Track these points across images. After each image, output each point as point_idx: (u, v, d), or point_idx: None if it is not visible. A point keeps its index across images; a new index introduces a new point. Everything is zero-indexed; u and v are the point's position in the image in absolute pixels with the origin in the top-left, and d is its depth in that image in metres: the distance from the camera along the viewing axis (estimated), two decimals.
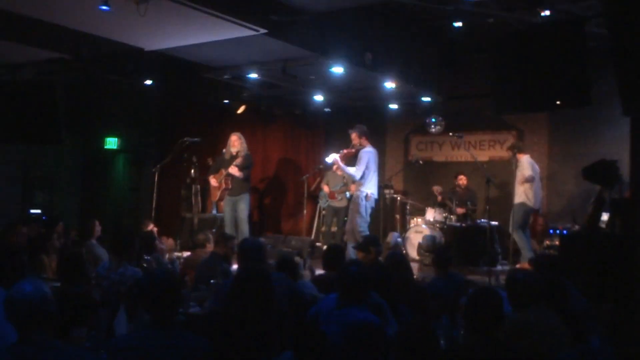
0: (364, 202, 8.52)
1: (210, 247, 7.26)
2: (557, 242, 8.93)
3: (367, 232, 8.44)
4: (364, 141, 8.72)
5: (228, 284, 4.48)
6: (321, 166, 9.61)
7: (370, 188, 8.59)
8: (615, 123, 9.92)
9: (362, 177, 8.54)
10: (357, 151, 8.70)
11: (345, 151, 8.89)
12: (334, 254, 5.84)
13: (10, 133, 8.53)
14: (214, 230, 10.05)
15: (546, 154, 10.86)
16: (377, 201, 8.87)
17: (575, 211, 9.31)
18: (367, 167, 8.54)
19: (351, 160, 8.87)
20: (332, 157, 8.88)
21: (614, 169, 7.32)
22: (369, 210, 8.62)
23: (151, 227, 8.47)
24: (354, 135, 8.76)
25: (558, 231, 9.36)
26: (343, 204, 10.49)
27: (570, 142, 10.59)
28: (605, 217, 7.60)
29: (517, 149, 9.45)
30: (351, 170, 8.68)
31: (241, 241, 5.75)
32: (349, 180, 9.67)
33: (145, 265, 6.03)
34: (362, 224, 8.49)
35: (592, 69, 8.39)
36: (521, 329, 3.86)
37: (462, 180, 10.69)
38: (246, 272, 3.93)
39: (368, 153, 8.64)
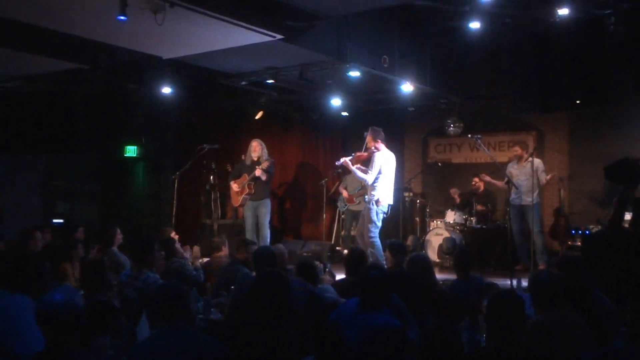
0: (374, 207, 8.18)
1: (225, 250, 7.32)
2: (579, 243, 8.86)
3: (378, 239, 8.16)
4: (378, 144, 8.36)
5: (244, 289, 4.49)
6: (339, 170, 9.59)
7: (381, 193, 8.23)
8: (636, 121, 9.84)
9: (375, 181, 8.23)
10: (371, 154, 8.39)
11: (357, 154, 8.69)
12: (356, 258, 5.81)
13: (30, 143, 8.63)
14: (234, 235, 10.08)
15: (567, 153, 10.77)
16: (390, 206, 8.43)
17: (598, 211, 9.24)
18: (379, 172, 8.21)
19: (365, 163, 8.54)
20: (342, 159, 8.63)
21: (636, 168, 7.23)
22: (381, 216, 8.25)
23: (173, 234, 8.49)
24: (368, 138, 8.44)
25: (580, 231, 9.28)
26: (362, 207, 10.40)
27: (591, 142, 10.49)
28: (628, 216, 7.52)
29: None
30: (363, 174, 8.39)
31: (255, 250, 5.81)
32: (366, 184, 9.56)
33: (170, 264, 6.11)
34: (372, 229, 8.15)
35: (612, 67, 8.34)
36: (544, 331, 3.82)
37: (477, 183, 10.61)
38: (263, 277, 3.94)
39: (382, 156, 8.30)
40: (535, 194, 9.13)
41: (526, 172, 9.12)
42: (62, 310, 2.90)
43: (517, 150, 9.60)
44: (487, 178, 10.05)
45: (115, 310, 3.97)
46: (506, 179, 8.56)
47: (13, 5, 6.56)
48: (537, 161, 9.39)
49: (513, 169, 9.46)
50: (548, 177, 9.32)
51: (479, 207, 10.30)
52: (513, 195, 9.15)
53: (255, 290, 3.81)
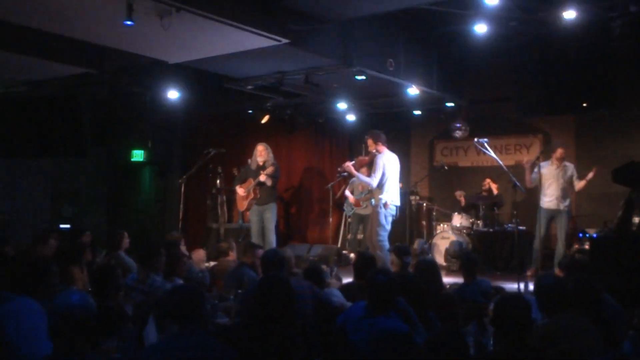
0: (382, 211, 8.09)
1: (233, 254, 7.30)
2: (587, 246, 8.81)
3: (387, 242, 8.09)
4: (380, 147, 8.28)
5: (251, 293, 4.50)
6: (345, 173, 9.58)
7: (388, 195, 8.14)
8: None
9: (380, 184, 8.15)
10: (373, 157, 8.33)
11: (360, 158, 8.69)
12: (366, 262, 5.79)
13: (37, 147, 8.68)
14: (240, 239, 10.09)
15: (573, 156, 10.71)
16: (398, 208, 8.37)
17: (605, 214, 9.20)
18: (383, 174, 8.12)
19: (369, 166, 8.54)
20: (345, 164, 8.60)
21: None
22: (389, 219, 8.16)
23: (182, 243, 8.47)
24: (369, 142, 8.38)
25: (588, 235, 9.23)
26: (368, 211, 10.38)
27: (597, 145, 10.45)
28: (636, 219, 7.49)
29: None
30: (366, 178, 8.35)
31: (263, 253, 5.79)
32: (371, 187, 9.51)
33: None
34: (381, 232, 8.07)
35: (618, 70, 8.32)
36: (552, 335, 3.81)
37: (489, 184, 10.58)
38: (265, 282, 3.95)
39: (384, 158, 8.21)
40: (568, 200, 8.96)
41: (562, 176, 8.89)
42: (80, 311, 2.90)
43: (561, 152, 9.03)
44: (528, 164, 9.10)
45: (124, 314, 3.97)
46: (513, 183, 8.34)
47: (20, 11, 6.59)
48: (571, 166, 9.12)
49: (546, 169, 8.94)
50: (589, 176, 8.86)
51: (486, 210, 10.29)
52: (547, 198, 8.89)
53: (259, 295, 3.82)
